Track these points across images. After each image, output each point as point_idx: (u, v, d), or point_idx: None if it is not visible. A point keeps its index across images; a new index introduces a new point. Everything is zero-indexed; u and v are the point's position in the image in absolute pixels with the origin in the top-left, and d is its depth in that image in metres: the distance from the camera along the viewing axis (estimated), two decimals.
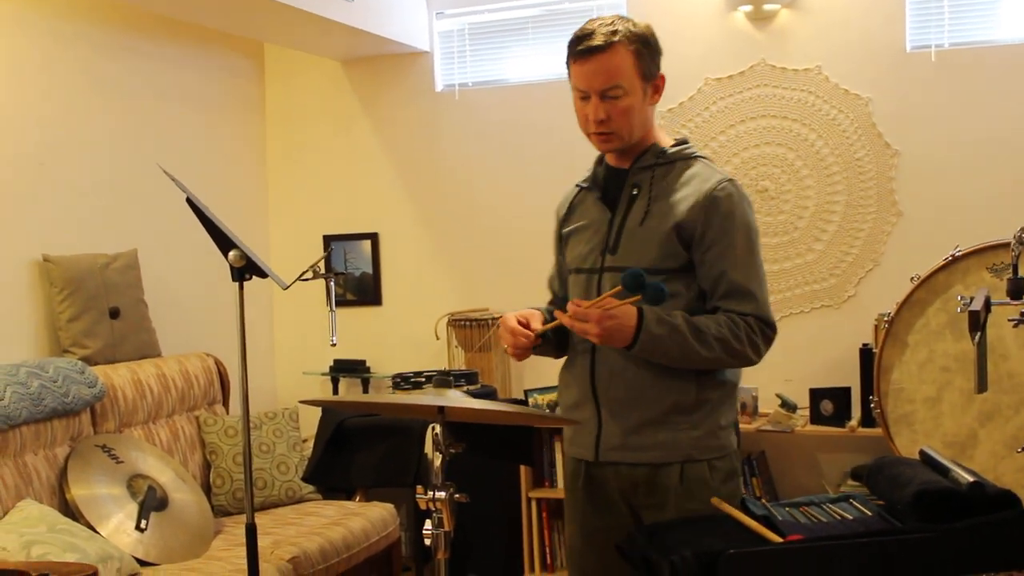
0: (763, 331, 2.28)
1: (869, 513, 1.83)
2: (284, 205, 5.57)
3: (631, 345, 2.23)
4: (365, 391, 5.23)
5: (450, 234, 5.24)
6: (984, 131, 4.36)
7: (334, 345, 3.26)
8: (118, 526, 3.68)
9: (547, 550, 4.80)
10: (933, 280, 3.35)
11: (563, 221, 2.60)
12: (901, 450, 3.37)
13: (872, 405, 3.41)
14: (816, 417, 4.39)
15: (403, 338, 5.23)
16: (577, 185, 2.60)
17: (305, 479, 3.54)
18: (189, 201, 2.63)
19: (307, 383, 5.39)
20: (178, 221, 4.69)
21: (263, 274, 2.67)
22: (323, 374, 5.28)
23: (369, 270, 5.33)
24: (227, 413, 4.64)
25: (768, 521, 1.80)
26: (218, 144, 5.25)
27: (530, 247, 5.05)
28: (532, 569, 4.79)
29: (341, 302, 5.35)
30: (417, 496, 2.17)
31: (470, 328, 4.87)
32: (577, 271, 2.48)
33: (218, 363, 4.64)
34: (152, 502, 3.83)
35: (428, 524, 2.15)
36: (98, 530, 3.62)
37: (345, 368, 5.23)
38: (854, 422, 4.31)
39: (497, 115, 5.15)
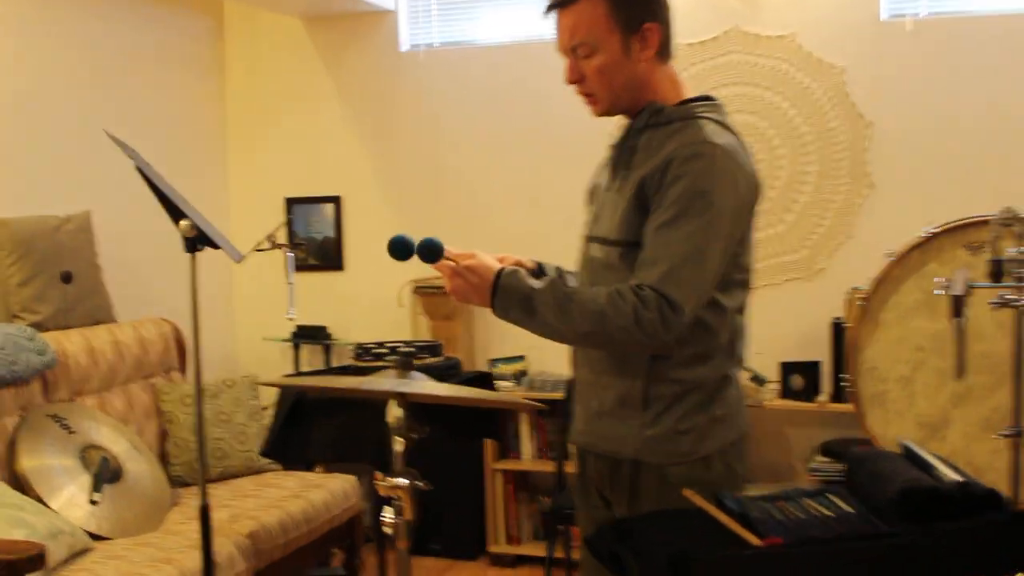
0: (660, 308, 1.91)
1: (850, 510, 1.76)
2: (244, 167, 5.42)
3: (493, 309, 2.06)
4: (327, 358, 5.13)
5: (415, 198, 5.13)
6: (960, 103, 4.30)
7: (292, 319, 3.14)
8: (70, 499, 3.56)
9: (512, 522, 4.75)
10: (908, 257, 3.28)
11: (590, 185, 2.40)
12: (873, 429, 3.32)
13: (845, 384, 3.35)
14: (786, 391, 4.34)
15: (366, 305, 5.12)
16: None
17: (263, 454, 3.44)
18: (139, 169, 2.50)
19: (268, 349, 5.28)
20: (134, 182, 4.52)
21: (216, 245, 2.55)
22: (284, 340, 5.17)
23: (332, 234, 5.21)
24: (184, 380, 4.52)
25: (744, 519, 1.73)
26: (176, 104, 5.08)
27: (498, 213, 4.96)
28: (497, 542, 4.74)
29: (303, 267, 5.23)
30: (376, 482, 2.08)
31: (434, 296, 4.77)
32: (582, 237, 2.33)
33: (175, 329, 4.51)
34: (105, 473, 3.72)
35: (388, 512, 2.06)
36: (49, 503, 3.50)
37: (306, 335, 5.12)
38: (824, 397, 4.27)
39: (465, 77, 5.02)
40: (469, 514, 4.71)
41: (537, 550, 4.66)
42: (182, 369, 4.53)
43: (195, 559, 3.36)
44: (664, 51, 2.12)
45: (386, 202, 5.16)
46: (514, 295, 2.00)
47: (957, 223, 3.28)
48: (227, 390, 4.42)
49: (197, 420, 2.63)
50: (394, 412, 2.07)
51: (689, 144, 1.99)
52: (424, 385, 2.00)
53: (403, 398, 2.02)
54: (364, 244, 5.19)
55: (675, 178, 1.96)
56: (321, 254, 5.22)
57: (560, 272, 2.34)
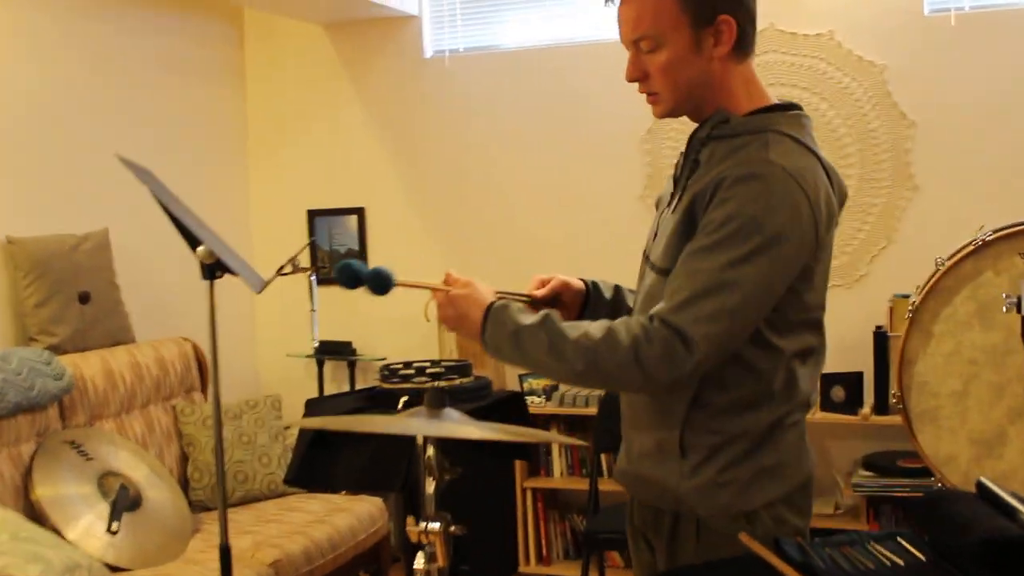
0: (667, 344, 1.69)
1: (923, 558, 1.60)
2: (265, 178, 5.29)
3: (483, 346, 1.90)
4: (351, 374, 5.00)
5: (440, 208, 4.98)
6: (1007, 99, 4.11)
7: (317, 347, 3.00)
8: (87, 529, 3.44)
9: (543, 542, 4.60)
10: (961, 267, 3.11)
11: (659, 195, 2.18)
12: (925, 448, 3.15)
13: (894, 400, 3.18)
14: (826, 404, 4.17)
15: (391, 319, 4.98)
16: None
17: (287, 481, 3.31)
18: (153, 194, 2.37)
19: (291, 366, 5.14)
20: (152, 198, 4.43)
21: (235, 272, 2.41)
22: (307, 356, 5.03)
23: (355, 247, 5.07)
24: (205, 401, 4.39)
25: (807, 568, 1.57)
26: (196, 114, 4.96)
27: (527, 220, 4.81)
28: (528, 562, 4.59)
29: (326, 280, 5.09)
30: (407, 529, 1.94)
31: None
32: (646, 256, 2.09)
33: (195, 348, 4.39)
34: (124, 501, 3.60)
35: (419, 559, 1.91)
36: (65, 534, 3.38)
37: (330, 350, 4.99)
38: (867, 409, 4.09)
39: (490, 83, 4.87)
40: (499, 534, 4.56)
41: (569, 570, 4.50)
42: (203, 390, 4.41)
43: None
44: (741, 48, 1.85)
45: (411, 212, 5.02)
46: (503, 331, 1.83)
47: (1012, 230, 3.10)
48: (249, 411, 4.29)
49: (217, 460, 2.48)
50: (426, 451, 1.93)
51: (745, 163, 1.75)
52: (458, 428, 1.84)
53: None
54: (389, 256, 5.04)
55: (721, 201, 1.73)
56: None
57: (618, 290, 2.16)
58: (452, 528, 1.93)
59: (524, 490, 4.56)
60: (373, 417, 1.99)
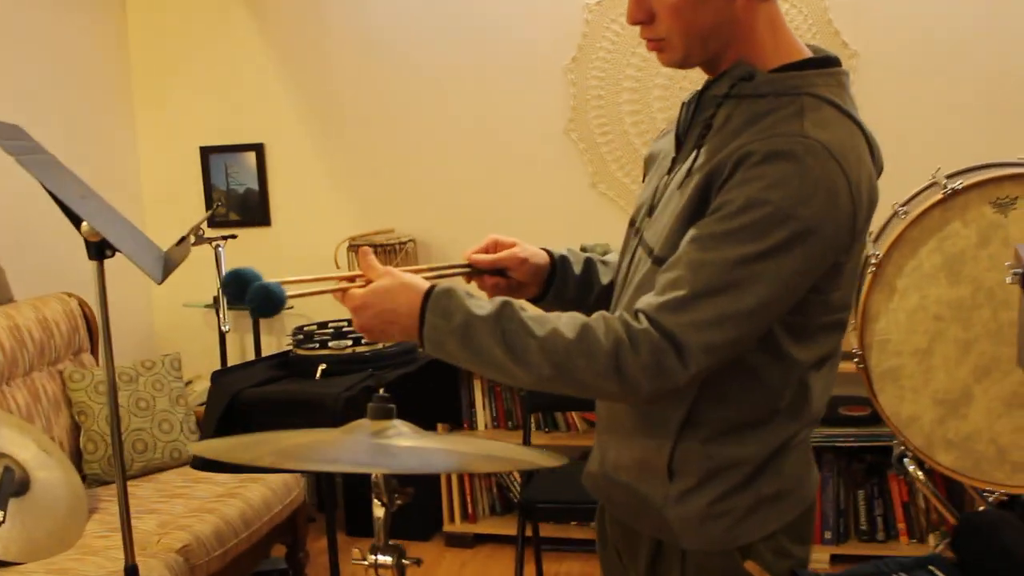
0: (657, 353, 1.41)
1: None
2: (153, 113, 4.82)
3: (421, 344, 1.56)
4: (255, 323, 4.63)
5: (347, 145, 4.59)
6: (958, 30, 3.89)
7: (226, 331, 2.66)
8: None
9: (467, 499, 4.36)
10: (927, 217, 2.89)
11: (648, 154, 1.83)
12: (886, 408, 2.96)
13: (855, 359, 2.97)
14: None
15: (298, 264, 4.61)
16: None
17: (196, 466, 2.98)
18: (21, 163, 1.99)
19: (189, 317, 4.76)
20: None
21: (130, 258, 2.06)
22: (207, 306, 4.65)
23: (255, 186, 4.67)
24: (96, 364, 4.00)
25: None
26: (71, 52, 4.45)
27: (440, 161, 4.47)
28: (452, 520, 4.35)
29: (224, 222, 4.69)
30: (353, 561, 1.66)
31: (375, 255, 4.28)
32: (630, 221, 1.75)
33: (83, 304, 3.98)
34: (9, 487, 3.21)
35: None
36: None
37: (233, 299, 4.60)
38: None
39: (401, 7, 4.47)
40: (421, 492, 4.29)
41: (496, 527, 4.28)
42: (94, 351, 4.01)
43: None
44: None
45: (315, 150, 4.63)
46: (448, 323, 1.49)
47: (981, 175, 2.89)
48: (146, 372, 3.92)
49: (116, 456, 2.15)
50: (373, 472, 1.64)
51: (775, 136, 1.42)
52: (414, 454, 1.54)
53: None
54: (292, 197, 4.66)
55: (743, 181, 1.41)
56: (243, 208, 4.69)
57: (590, 266, 1.83)
58: (406, 562, 1.66)
59: None
60: (298, 436, 1.67)
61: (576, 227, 4.21)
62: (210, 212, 2.61)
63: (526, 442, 3.69)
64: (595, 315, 1.48)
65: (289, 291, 1.62)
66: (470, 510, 4.36)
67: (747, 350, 1.47)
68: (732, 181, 1.43)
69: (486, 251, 1.78)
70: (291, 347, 3.38)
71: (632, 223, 1.72)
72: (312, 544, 4.12)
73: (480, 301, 1.51)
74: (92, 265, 2.12)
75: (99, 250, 2.01)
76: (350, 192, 4.57)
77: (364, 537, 4.34)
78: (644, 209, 1.67)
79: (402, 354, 3.17)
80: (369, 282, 1.57)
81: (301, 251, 4.61)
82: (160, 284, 2.14)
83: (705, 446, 1.55)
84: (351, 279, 1.62)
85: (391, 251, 4.27)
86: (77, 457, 3.74)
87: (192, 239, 2.41)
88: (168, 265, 2.22)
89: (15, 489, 3.25)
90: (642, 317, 1.43)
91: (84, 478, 3.71)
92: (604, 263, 1.85)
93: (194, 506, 3.44)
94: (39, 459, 3.40)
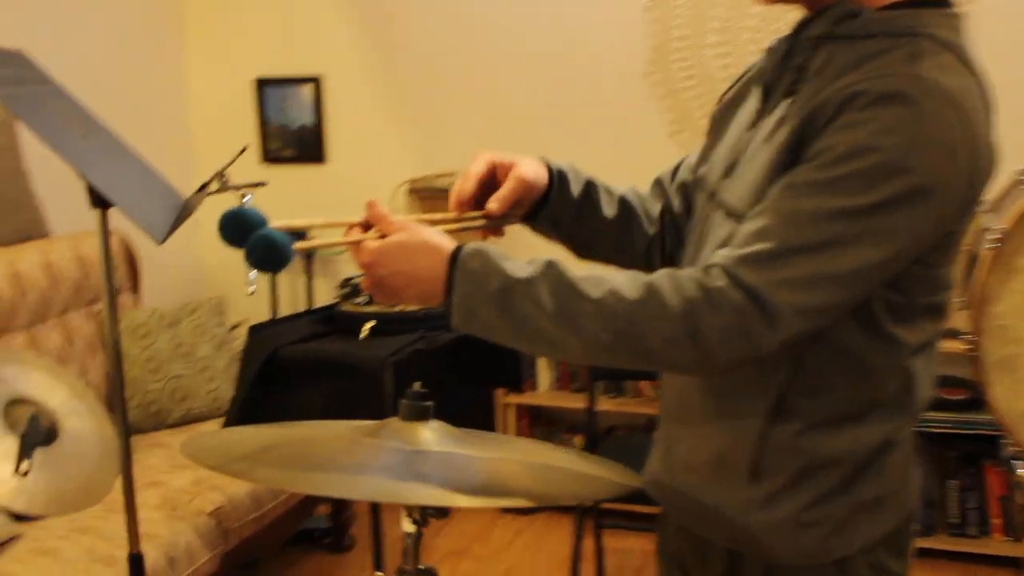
0: (740, 312, 1.21)
1: None
2: (205, 43, 4.55)
3: (448, 313, 1.32)
4: (308, 268, 4.39)
5: (410, 80, 4.29)
6: None
7: (250, 293, 2.41)
8: None
9: None
10: None
11: (722, 96, 1.59)
12: (998, 402, 2.64)
13: (969, 346, 2.64)
14: None
15: (354, 206, 4.32)
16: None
17: (228, 424, 2.75)
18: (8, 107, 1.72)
19: (238, 259, 4.52)
20: (67, 68, 3.73)
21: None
22: None
23: (311, 121, 4.40)
24: (138, 304, 3.79)
25: None
26: None
27: (509, 99, 4.15)
28: None
29: (278, 158, 4.44)
30: None
31: (437, 199, 4.01)
32: (697, 183, 1.54)
33: (124, 241, 3.76)
34: (36, 435, 3.00)
35: None
36: None
37: None
38: None
39: None
40: None
41: None
42: (135, 290, 3.80)
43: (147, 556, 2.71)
44: None
45: (376, 83, 4.33)
46: (482, 289, 1.27)
47: None
48: (187, 316, 3.69)
49: (122, 425, 1.91)
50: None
51: (890, 75, 1.22)
52: (447, 473, 1.27)
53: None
54: (350, 134, 4.38)
55: (850, 124, 1.21)
56: (299, 144, 4.42)
57: (590, 189, 1.57)
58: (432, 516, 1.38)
59: (505, 407, 4.03)
60: (313, 433, 1.42)
61: (651, 178, 3.88)
62: (236, 156, 2.33)
63: (590, 410, 3.41)
64: (659, 272, 1.27)
65: (297, 242, 1.38)
66: None
67: (843, 329, 1.29)
68: (836, 124, 1.22)
69: (485, 178, 1.49)
70: (338, 300, 3.12)
71: (699, 186, 1.50)
72: (359, 503, 3.91)
73: (517, 262, 1.29)
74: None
75: (101, 197, 1.74)
76: (411, 131, 4.27)
77: None
78: (720, 169, 1.44)
79: (434, 319, 2.90)
80: (381, 236, 1.32)
81: (357, 192, 4.31)
82: (161, 243, 1.87)
83: (798, 440, 1.34)
84: (366, 227, 1.36)
85: None
86: (112, 405, 3.53)
87: (214, 186, 2.15)
88: (182, 216, 1.95)
89: (42, 438, 3.05)
90: (718, 273, 1.23)
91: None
92: (609, 192, 1.59)
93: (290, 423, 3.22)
94: (70, 406, 3.19)
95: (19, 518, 2.83)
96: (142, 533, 2.80)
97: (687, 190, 1.61)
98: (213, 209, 4.51)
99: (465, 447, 1.33)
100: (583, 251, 1.62)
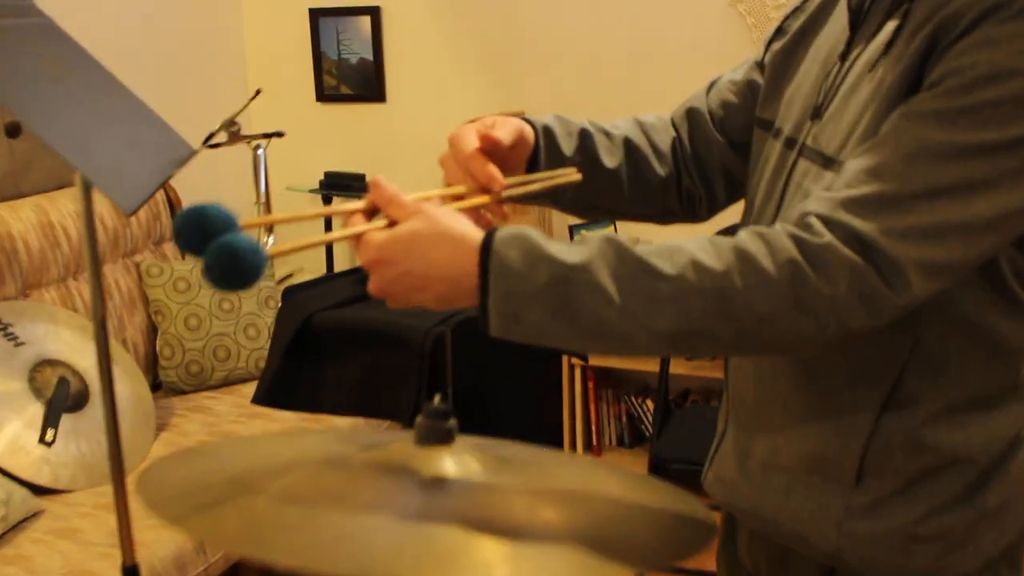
0: (855, 270, 0.98)
1: None
2: None
3: (483, 318, 1.02)
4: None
5: (475, 11, 3.94)
6: None
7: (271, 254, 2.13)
8: (12, 441, 2.68)
9: (593, 428, 3.82)
10: None
11: (781, 26, 1.37)
12: None
13: None
14: None
15: (413, 149, 4.05)
16: None
17: (256, 400, 2.50)
18: None
19: (291, 203, 4.27)
20: (119, 2, 3.49)
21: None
22: (312, 191, 4.15)
23: (369, 56, 4.09)
24: (182, 256, 3.56)
25: None
26: None
27: (582, 32, 3.79)
28: (573, 445, 3.82)
29: (334, 96, 4.15)
30: None
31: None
32: (763, 127, 1.29)
33: (167, 187, 3.52)
34: (62, 400, 2.82)
35: None
36: None
37: (339, 185, 4.09)
38: None
39: None
40: (543, 417, 3.77)
41: (621, 459, 3.75)
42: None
43: (177, 541, 2.51)
44: None
45: (439, 16, 3.99)
46: (529, 283, 0.99)
47: None
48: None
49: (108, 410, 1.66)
50: None
51: None
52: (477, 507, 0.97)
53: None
54: (410, 70, 4.06)
55: (987, 41, 0.99)
56: (356, 81, 4.12)
57: (586, 140, 1.31)
58: None
59: (572, 367, 3.74)
60: (298, 461, 1.13)
61: None
62: (248, 102, 2.04)
63: (663, 374, 3.10)
64: (743, 233, 1.03)
65: (275, 243, 1.09)
66: (594, 439, 3.83)
67: (967, 294, 1.09)
68: (968, 40, 1.00)
69: (482, 152, 1.17)
70: None
71: (779, 136, 1.24)
72: None
73: (564, 244, 1.02)
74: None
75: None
76: (476, 67, 3.94)
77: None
78: (799, 111, 1.20)
79: None
80: (390, 223, 1.02)
81: (418, 132, 4.04)
82: (129, 215, 1.59)
83: (916, 434, 1.13)
84: (370, 213, 1.05)
85: None
86: (152, 363, 3.32)
87: (224, 136, 1.86)
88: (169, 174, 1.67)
89: (71, 403, 2.85)
90: (819, 225, 1.00)
91: (159, 386, 3.31)
92: (608, 136, 1.33)
93: (275, 430, 2.98)
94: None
95: (42, 491, 2.63)
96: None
97: (732, 112, 1.39)
98: (272, 153, 4.21)
99: (498, 472, 1.04)
100: (588, 211, 1.38)
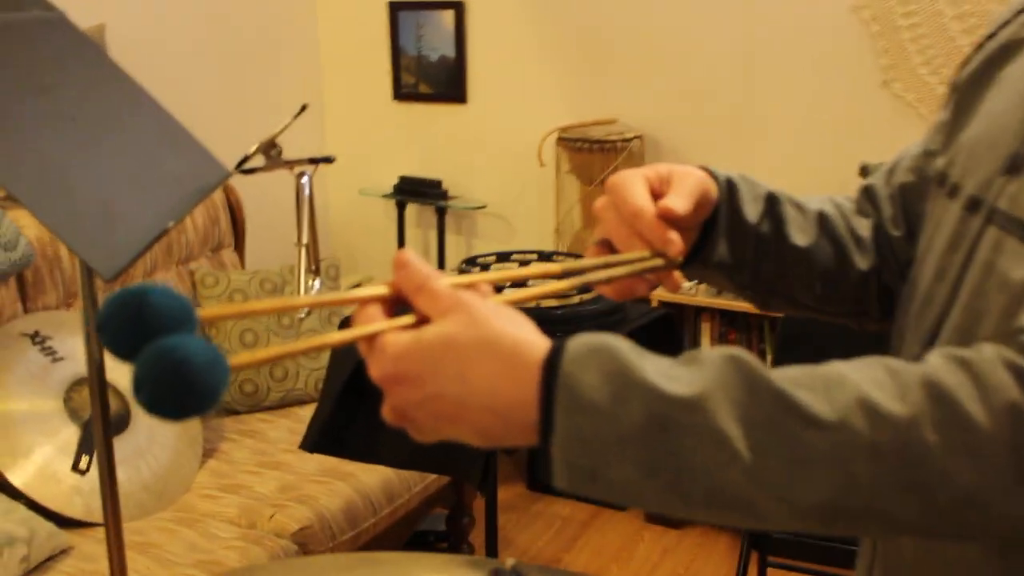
0: None
1: None
2: None
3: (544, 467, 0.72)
4: (440, 224, 3.83)
5: (567, 9, 3.62)
6: None
7: (302, 317, 1.86)
8: (43, 468, 2.45)
9: None
10: None
11: (969, 57, 1.01)
12: None
13: None
14: None
15: (494, 155, 3.76)
16: None
17: (304, 447, 2.22)
18: None
19: (364, 208, 4.01)
20: None
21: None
22: (386, 196, 3.88)
23: (451, 53, 3.79)
24: (242, 266, 3.31)
25: None
26: None
27: (681, 34, 3.45)
28: None
29: (412, 95, 3.87)
30: None
31: (590, 152, 3.38)
32: (938, 183, 0.96)
33: (227, 191, 3.27)
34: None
35: None
36: (8, 477, 2.40)
37: (415, 190, 3.82)
38: None
39: None
40: None
41: None
42: (239, 248, 3.31)
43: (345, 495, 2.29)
44: None
45: (528, 12, 3.68)
46: (613, 423, 0.68)
47: None
48: (293, 279, 3.18)
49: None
50: None
51: None
52: None
53: None
54: (495, 69, 3.76)
55: None
56: (436, 80, 3.84)
57: (774, 206, 1.00)
58: None
59: None
60: None
61: (857, 137, 3.16)
62: (292, 120, 1.75)
63: None
64: (936, 358, 0.71)
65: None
66: None
67: None
68: None
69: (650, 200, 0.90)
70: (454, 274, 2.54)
71: (942, 189, 0.92)
72: (478, 506, 3.38)
73: (664, 363, 0.71)
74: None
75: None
76: (566, 69, 3.62)
77: (546, 494, 3.57)
78: (990, 163, 0.85)
79: (606, 314, 2.27)
80: (420, 320, 0.73)
81: (500, 137, 3.74)
82: (109, 280, 1.31)
83: None
84: (392, 303, 0.76)
85: (611, 149, 3.35)
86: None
87: (262, 160, 1.59)
88: (187, 206, 1.39)
89: (110, 427, 2.60)
90: None
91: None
92: (800, 209, 1.02)
93: (328, 465, 2.71)
94: None
95: (71, 524, 2.39)
96: (208, 560, 2.33)
97: (909, 197, 1.04)
98: (346, 154, 3.93)
99: None
100: (768, 300, 1.05)
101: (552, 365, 0.70)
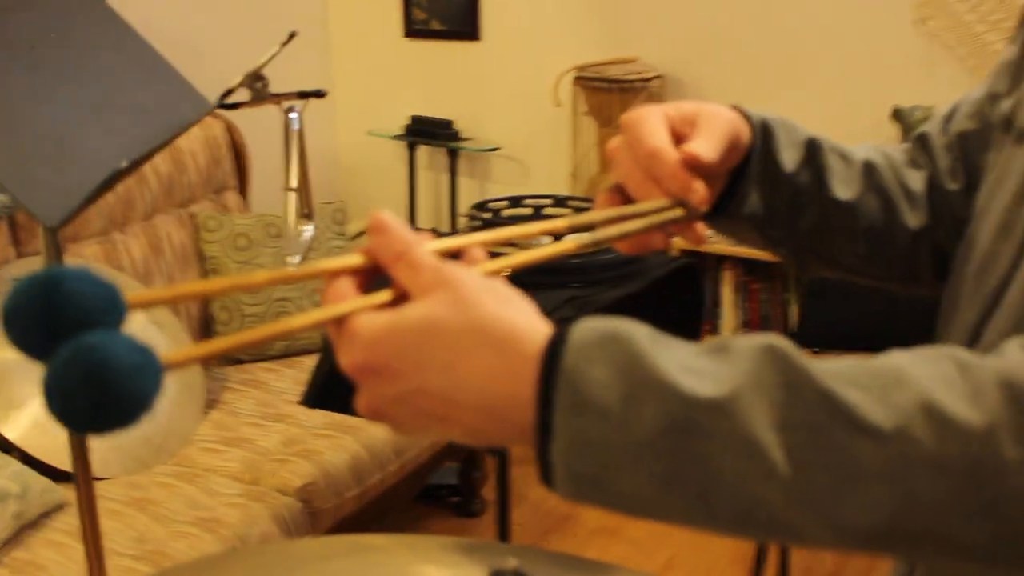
0: None
1: None
2: None
3: (545, 473, 0.59)
4: (452, 166, 3.70)
5: None
6: None
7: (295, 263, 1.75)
8: (37, 420, 2.35)
9: None
10: None
11: None
12: None
13: None
14: None
15: (508, 94, 3.61)
16: None
17: (305, 403, 2.12)
18: None
19: (373, 149, 3.87)
20: None
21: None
22: (395, 137, 3.75)
23: None
24: (245, 208, 3.19)
25: None
26: None
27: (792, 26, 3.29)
28: None
29: (424, 31, 3.72)
30: None
31: (608, 92, 3.24)
32: (1008, 130, 0.82)
33: (231, 130, 3.13)
34: None
35: None
36: (1, 429, 2.31)
37: (425, 131, 3.69)
38: None
39: None
40: None
41: None
42: (241, 189, 3.19)
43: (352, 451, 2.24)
44: None
45: None
46: (623, 429, 0.56)
47: None
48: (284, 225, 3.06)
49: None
50: None
51: None
52: None
53: None
54: (511, 4, 3.60)
55: None
56: (449, 15, 3.68)
57: (815, 152, 0.87)
58: None
59: None
60: None
61: (888, 79, 3.01)
62: (279, 49, 1.62)
63: None
64: (1014, 352, 0.58)
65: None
66: None
67: None
68: None
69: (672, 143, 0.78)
70: (466, 220, 2.41)
71: (1014, 134, 0.80)
72: (490, 462, 3.29)
73: (685, 351, 0.59)
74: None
75: None
76: (583, 3, 3.46)
77: None
78: None
79: (624, 264, 2.14)
80: (400, 297, 0.61)
81: (514, 76, 3.59)
82: (54, 226, 1.18)
83: None
84: (367, 275, 0.63)
85: (630, 89, 3.21)
86: (205, 328, 2.97)
87: (244, 95, 1.46)
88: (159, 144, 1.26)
89: None
90: None
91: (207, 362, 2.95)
92: (845, 158, 0.89)
93: (335, 419, 2.61)
94: (146, 335, 2.62)
95: (67, 477, 2.30)
96: (208, 518, 2.24)
97: (969, 146, 0.91)
98: (353, 93, 3.80)
99: None
100: (805, 259, 0.93)
101: (553, 357, 0.58)
